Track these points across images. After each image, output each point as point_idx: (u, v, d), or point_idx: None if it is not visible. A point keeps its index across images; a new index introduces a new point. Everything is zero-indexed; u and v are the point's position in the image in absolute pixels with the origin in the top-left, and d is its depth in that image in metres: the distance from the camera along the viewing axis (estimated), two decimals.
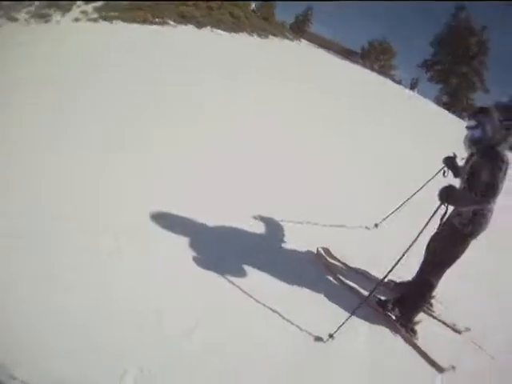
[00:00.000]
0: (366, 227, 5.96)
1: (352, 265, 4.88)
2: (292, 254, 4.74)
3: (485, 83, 59.11)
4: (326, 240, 5.05)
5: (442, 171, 4.52)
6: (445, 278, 4.11)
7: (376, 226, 5.97)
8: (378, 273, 4.51)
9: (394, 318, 4.13)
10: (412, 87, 57.83)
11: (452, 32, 58.27)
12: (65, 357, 2.69)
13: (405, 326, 4.07)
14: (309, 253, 4.84)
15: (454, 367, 3.80)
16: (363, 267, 4.87)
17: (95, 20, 10.62)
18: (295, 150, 8.03)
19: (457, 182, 4.06)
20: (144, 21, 12.49)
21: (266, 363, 3.14)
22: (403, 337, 4.01)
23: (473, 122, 3.81)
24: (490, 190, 3.47)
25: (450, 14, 58.26)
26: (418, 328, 4.10)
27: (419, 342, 3.97)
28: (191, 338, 3.09)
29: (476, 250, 4.05)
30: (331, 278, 4.56)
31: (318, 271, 4.56)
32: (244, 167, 6.42)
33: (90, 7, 11.06)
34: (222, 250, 4.31)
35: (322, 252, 4.86)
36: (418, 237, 3.60)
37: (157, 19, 13.37)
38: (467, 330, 4.48)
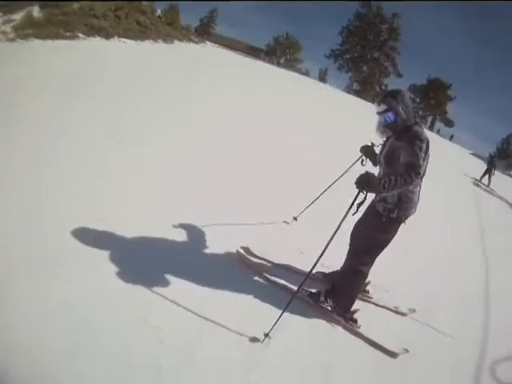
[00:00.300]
0: (285, 221, 5.93)
1: (276, 261, 4.77)
2: (215, 258, 4.57)
3: (397, 67, 62.14)
4: (247, 239, 4.97)
5: (361, 160, 4.54)
6: (380, 264, 4.11)
7: (295, 219, 5.94)
8: (303, 266, 4.41)
9: (329, 309, 4.08)
10: (321, 78, 59.86)
11: (362, 20, 60.79)
12: (64, 356, 2.78)
13: (343, 317, 4.03)
14: (231, 254, 4.68)
15: (406, 350, 3.85)
16: (289, 261, 4.79)
17: (13, 40, 10.62)
18: (200, 150, 7.93)
19: (377, 171, 4.01)
20: (57, 36, 12.60)
21: (202, 372, 3.02)
22: (344, 327, 3.97)
23: (383, 107, 3.82)
24: (411, 171, 3.43)
25: (360, 4, 60.91)
26: (358, 316, 4.06)
27: (364, 331, 3.95)
28: (129, 353, 2.96)
29: (408, 233, 4.19)
30: (257, 277, 4.43)
31: (242, 272, 4.44)
32: (157, 173, 6.19)
33: (8, 27, 11.02)
34: (144, 261, 4.05)
35: (243, 252, 4.73)
36: (339, 226, 3.56)
37: (68, 33, 13.49)
38: (412, 311, 4.56)
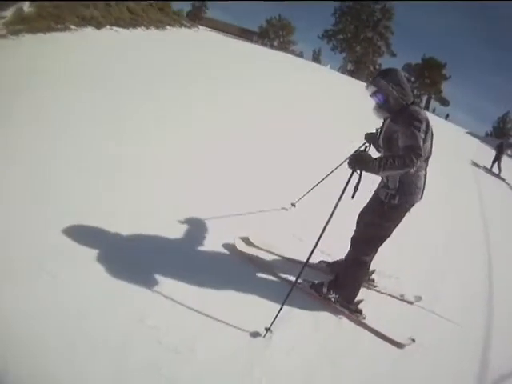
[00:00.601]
0: (283, 208, 5.85)
1: (275, 250, 4.68)
2: (212, 252, 4.44)
3: (391, 47, 61.89)
4: (246, 229, 4.85)
5: (364, 147, 4.19)
6: (381, 249, 3.99)
7: (293, 205, 5.88)
8: (303, 254, 3.95)
9: (332, 300, 3.97)
10: (315, 59, 59.64)
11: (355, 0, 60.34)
12: (63, 357, 2.76)
13: (347, 308, 3.94)
14: (229, 247, 4.57)
15: (413, 340, 3.77)
16: (288, 250, 4.69)
17: (4, 36, 10.55)
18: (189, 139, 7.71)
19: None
20: (48, 29, 12.50)
21: (202, 372, 2.95)
22: (349, 318, 3.90)
23: (372, 88, 3.68)
24: (412, 153, 3.23)
25: None
26: (362, 307, 3.98)
27: (369, 321, 3.88)
28: (126, 355, 2.91)
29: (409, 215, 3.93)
30: (257, 269, 4.33)
31: (241, 265, 4.33)
32: (150, 170, 5.92)
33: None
34: (140, 259, 3.95)
35: (241, 243, 4.60)
36: (334, 211, 3.44)
37: (59, 25, 13.37)
38: (418, 298, 4.47)
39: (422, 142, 3.31)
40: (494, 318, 4.75)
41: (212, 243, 4.59)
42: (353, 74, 56.14)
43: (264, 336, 3.36)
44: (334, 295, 3.99)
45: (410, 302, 4.46)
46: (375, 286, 4.49)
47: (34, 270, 3.42)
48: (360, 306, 4.00)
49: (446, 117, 54.23)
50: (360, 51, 63.55)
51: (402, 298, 4.46)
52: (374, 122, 4.15)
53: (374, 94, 3.70)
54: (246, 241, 4.67)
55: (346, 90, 24.52)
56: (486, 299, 5.19)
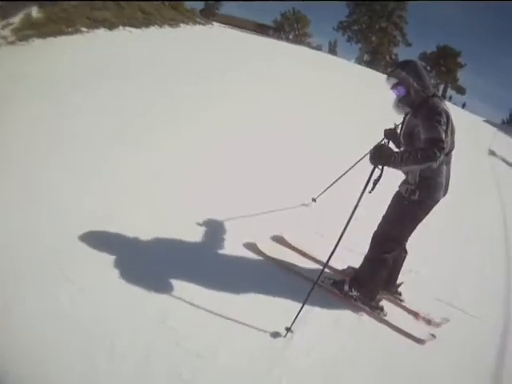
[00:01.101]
0: (304, 204, 5.70)
1: (297, 248, 4.58)
2: (232, 254, 4.35)
3: (406, 36, 61.39)
4: (265, 229, 4.81)
5: (383, 143, 4.06)
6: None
7: (314, 200, 5.71)
8: (325, 252, 3.75)
9: (354, 298, 3.90)
10: (331, 51, 59.36)
11: None
12: (64, 358, 2.73)
13: (368, 305, 3.87)
14: (249, 247, 4.47)
15: (434, 336, 3.71)
16: (310, 247, 4.59)
17: (13, 43, 10.50)
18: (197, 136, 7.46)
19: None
20: (58, 33, 12.41)
21: (223, 375, 2.90)
22: (370, 316, 3.83)
23: (393, 80, 3.58)
24: (434, 146, 3.14)
25: None
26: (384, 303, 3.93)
27: (390, 318, 3.82)
28: (148, 362, 2.85)
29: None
30: (278, 269, 4.25)
31: (261, 265, 4.28)
32: (165, 173, 5.75)
33: (7, 31, 10.91)
34: (157, 263, 3.89)
35: (261, 243, 4.48)
36: (355, 208, 3.34)
37: (69, 29, 13.28)
38: (445, 320, 4.12)
39: (444, 135, 3.23)
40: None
41: (233, 246, 4.50)
42: (369, 64, 55.61)
43: (285, 336, 3.30)
44: (355, 293, 3.92)
45: (436, 324, 4.10)
46: (401, 301, 4.25)
47: (43, 272, 3.41)
48: (381, 304, 3.95)
49: (463, 105, 53.48)
50: (375, 41, 63.12)
51: (428, 318, 4.12)
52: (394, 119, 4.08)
53: (394, 87, 3.61)
54: (266, 241, 4.62)
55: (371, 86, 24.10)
56: (506, 294, 5.07)
